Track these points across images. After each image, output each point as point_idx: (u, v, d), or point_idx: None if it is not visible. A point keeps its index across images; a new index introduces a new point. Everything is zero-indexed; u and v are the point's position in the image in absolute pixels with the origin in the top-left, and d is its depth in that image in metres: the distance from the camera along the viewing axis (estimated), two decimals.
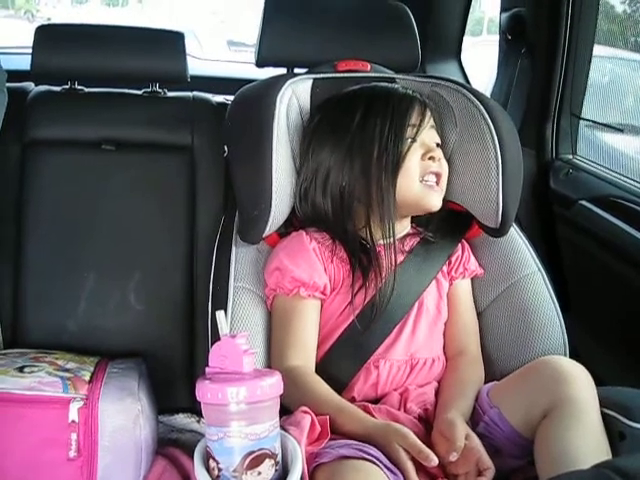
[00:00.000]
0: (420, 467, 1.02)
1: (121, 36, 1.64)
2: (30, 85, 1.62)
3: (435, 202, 1.27)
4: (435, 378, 1.25)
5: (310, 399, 1.09)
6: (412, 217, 1.33)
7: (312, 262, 1.22)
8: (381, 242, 1.25)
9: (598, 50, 1.79)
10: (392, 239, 1.24)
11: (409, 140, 1.24)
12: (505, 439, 1.13)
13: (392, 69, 1.47)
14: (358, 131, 1.25)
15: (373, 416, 1.13)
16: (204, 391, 0.89)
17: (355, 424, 1.07)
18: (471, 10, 2.25)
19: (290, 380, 0.99)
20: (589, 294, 1.63)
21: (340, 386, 1.18)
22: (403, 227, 1.32)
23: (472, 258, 1.35)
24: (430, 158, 1.25)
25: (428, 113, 1.28)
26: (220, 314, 0.95)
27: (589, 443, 1.03)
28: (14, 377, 1.21)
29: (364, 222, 1.27)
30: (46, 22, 1.60)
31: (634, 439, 1.05)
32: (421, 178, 1.25)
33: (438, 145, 1.29)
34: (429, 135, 1.27)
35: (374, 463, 0.97)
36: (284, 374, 0.94)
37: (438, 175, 1.26)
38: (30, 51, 1.54)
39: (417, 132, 1.25)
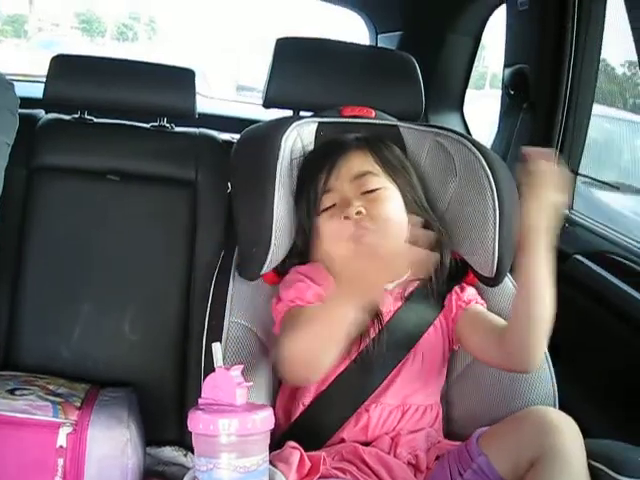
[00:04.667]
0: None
1: (133, 70, 1.68)
2: (40, 112, 1.65)
3: None
4: (427, 425, 1.24)
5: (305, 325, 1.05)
6: None
7: (325, 277, 1.21)
8: None
9: (597, 109, 1.83)
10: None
11: (320, 214, 1.25)
12: None
13: (396, 117, 1.49)
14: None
15: (363, 457, 1.13)
16: (196, 421, 0.90)
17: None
18: (475, 64, 2.30)
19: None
20: (580, 347, 1.63)
21: (331, 428, 1.18)
22: None
23: (468, 290, 1.30)
24: (345, 217, 1.22)
25: (349, 166, 1.27)
26: (216, 346, 0.96)
27: None
28: (5, 399, 1.21)
29: None
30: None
31: None
32: (346, 241, 1.19)
33: (375, 190, 1.25)
34: (352, 187, 1.25)
35: None
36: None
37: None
38: (39, 80, 1.57)
39: (322, 198, 1.26)
